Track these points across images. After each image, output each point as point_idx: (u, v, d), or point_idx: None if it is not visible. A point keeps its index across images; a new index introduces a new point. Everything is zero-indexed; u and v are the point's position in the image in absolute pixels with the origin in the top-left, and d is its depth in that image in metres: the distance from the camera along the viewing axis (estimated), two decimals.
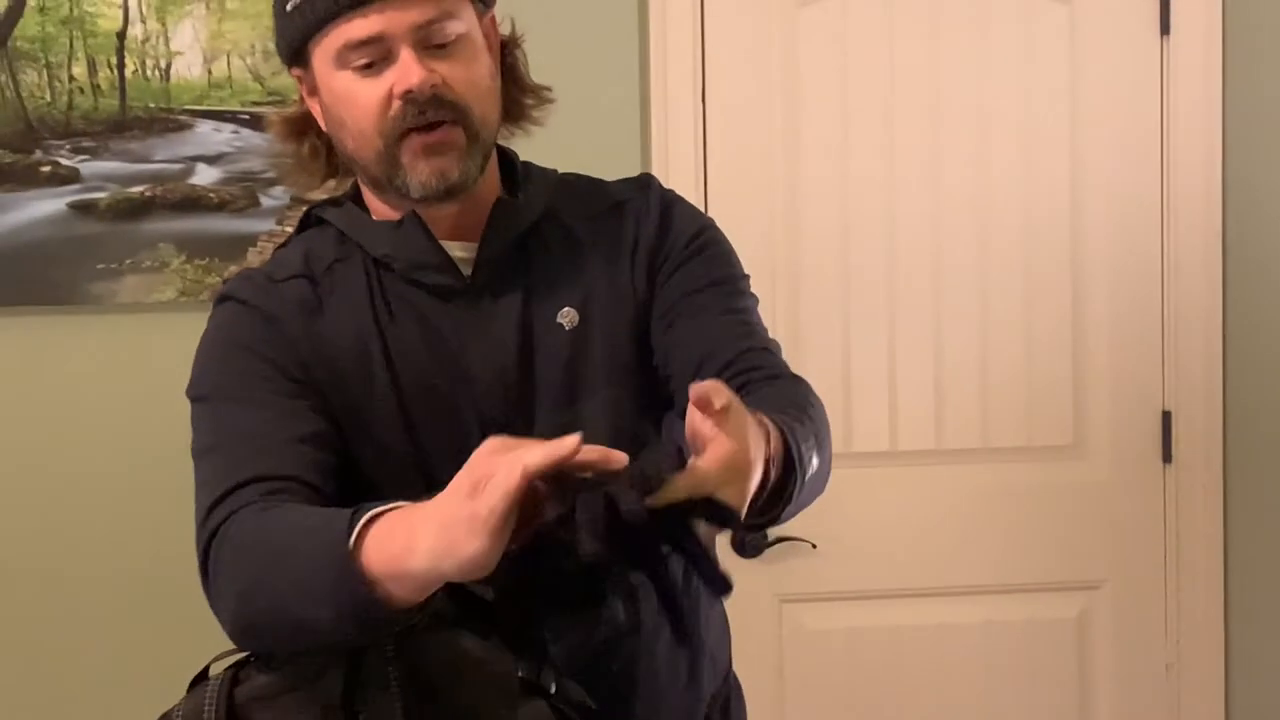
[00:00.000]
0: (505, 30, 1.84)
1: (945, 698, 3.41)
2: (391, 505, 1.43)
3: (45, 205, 3.13)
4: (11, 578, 3.18)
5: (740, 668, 2.02)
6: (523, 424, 1.75)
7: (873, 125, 3.31)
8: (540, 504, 1.31)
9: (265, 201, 3.17)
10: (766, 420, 1.46)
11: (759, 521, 1.48)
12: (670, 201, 1.89)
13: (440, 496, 1.37)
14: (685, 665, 1.86)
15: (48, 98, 3.13)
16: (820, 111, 3.30)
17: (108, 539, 3.18)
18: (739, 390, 1.71)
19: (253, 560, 1.53)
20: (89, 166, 3.14)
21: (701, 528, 1.30)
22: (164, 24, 3.14)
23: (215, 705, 1.56)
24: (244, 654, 1.62)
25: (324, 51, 1.72)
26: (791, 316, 3.28)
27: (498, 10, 1.82)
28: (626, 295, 1.81)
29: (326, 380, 1.73)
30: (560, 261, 1.81)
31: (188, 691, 1.61)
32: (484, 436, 1.72)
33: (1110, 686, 3.45)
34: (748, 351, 1.76)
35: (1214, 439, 3.41)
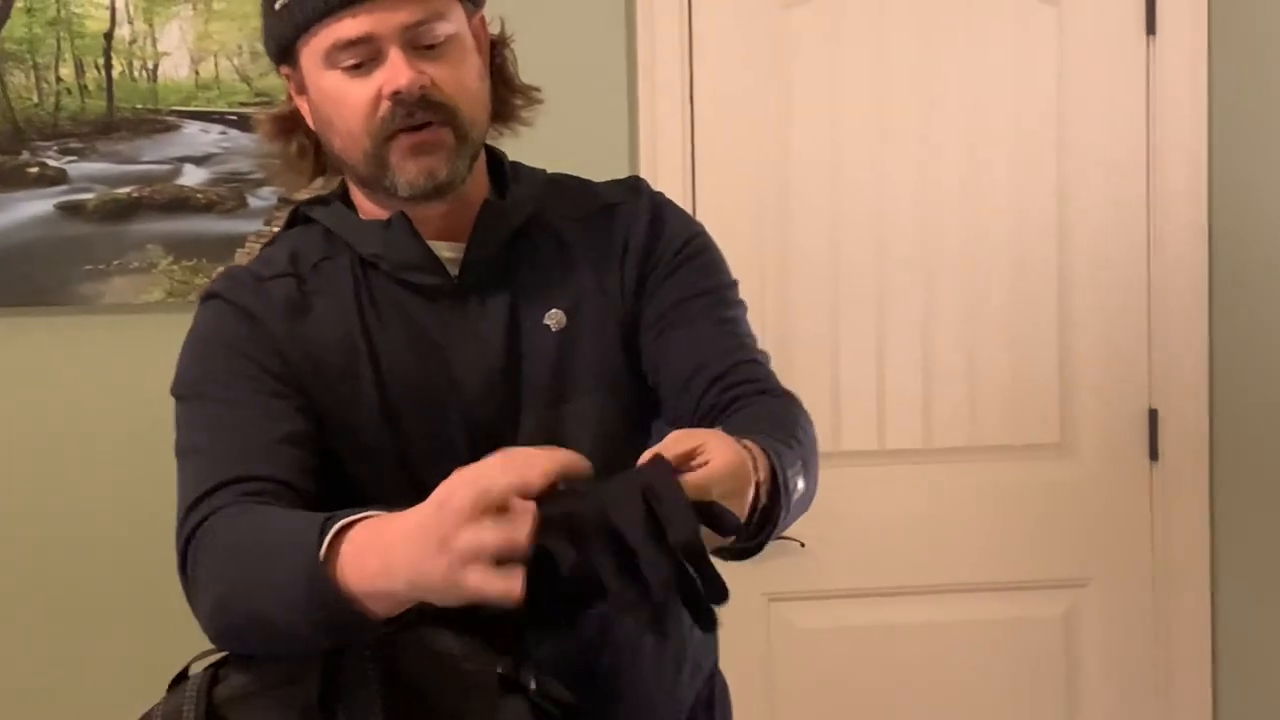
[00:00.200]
0: (494, 30, 1.84)
1: (933, 696, 3.41)
2: (363, 514, 1.42)
3: (33, 206, 3.13)
4: None
5: (728, 666, 2.02)
6: (508, 426, 1.75)
7: (861, 125, 3.32)
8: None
9: (253, 202, 3.17)
10: (754, 447, 1.46)
11: (744, 546, 1.49)
12: (660, 206, 1.88)
13: (416, 515, 1.34)
14: (669, 664, 1.86)
15: (35, 99, 3.13)
16: (809, 110, 3.31)
17: (95, 540, 3.18)
18: (728, 406, 1.71)
19: (229, 566, 1.53)
20: (76, 168, 3.14)
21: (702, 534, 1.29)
22: (151, 25, 3.14)
23: (195, 705, 1.56)
24: (223, 654, 1.62)
25: (313, 51, 1.72)
26: (780, 315, 3.28)
27: (487, 10, 1.82)
28: (615, 300, 1.81)
29: (311, 380, 1.73)
30: (548, 263, 1.81)
31: (168, 691, 1.61)
32: (470, 438, 1.74)
33: (1097, 684, 3.46)
34: (738, 365, 1.76)
35: (1200, 437, 3.42)
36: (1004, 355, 3.37)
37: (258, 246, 2.96)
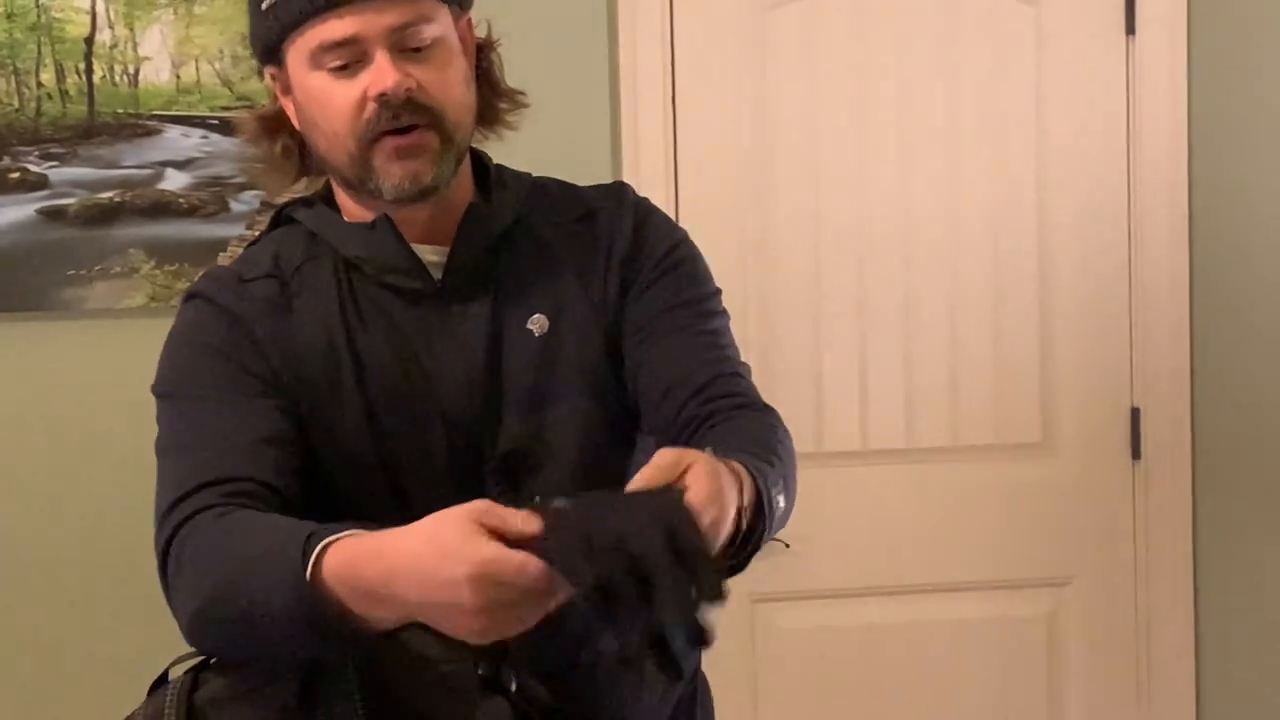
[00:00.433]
0: (481, 33, 1.83)
1: (917, 695, 3.42)
2: (349, 531, 1.42)
3: (14, 212, 3.12)
4: None
5: (713, 667, 2.02)
6: (489, 430, 1.75)
7: (842, 126, 3.32)
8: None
9: (235, 206, 3.17)
10: (740, 469, 1.47)
11: (727, 565, 1.49)
12: (645, 212, 1.88)
13: (416, 549, 1.35)
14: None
15: (16, 104, 3.12)
16: (790, 113, 3.31)
17: (78, 544, 3.17)
18: (707, 419, 1.71)
19: (210, 575, 1.53)
20: (58, 172, 3.14)
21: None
22: (132, 30, 3.14)
23: (175, 709, 1.56)
24: (203, 657, 1.62)
25: (298, 51, 1.72)
26: (763, 317, 3.29)
27: (474, 13, 1.82)
28: (598, 305, 1.81)
29: (293, 381, 1.73)
30: (532, 268, 1.81)
31: (148, 696, 1.61)
32: (450, 441, 1.74)
33: (1080, 682, 3.47)
34: (717, 378, 1.76)
35: (1182, 435, 3.43)
36: (986, 355, 3.38)
37: (240, 250, 2.96)
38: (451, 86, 1.73)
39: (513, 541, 1.30)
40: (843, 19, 3.32)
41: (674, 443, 1.70)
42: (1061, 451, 3.43)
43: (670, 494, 1.31)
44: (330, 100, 1.70)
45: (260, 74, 3.13)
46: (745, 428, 1.68)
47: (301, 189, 1.88)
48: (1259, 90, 3.40)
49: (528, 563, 1.28)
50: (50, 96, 3.13)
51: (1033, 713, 3.47)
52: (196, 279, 1.85)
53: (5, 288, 3.13)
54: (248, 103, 3.12)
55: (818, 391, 3.33)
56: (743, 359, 1.83)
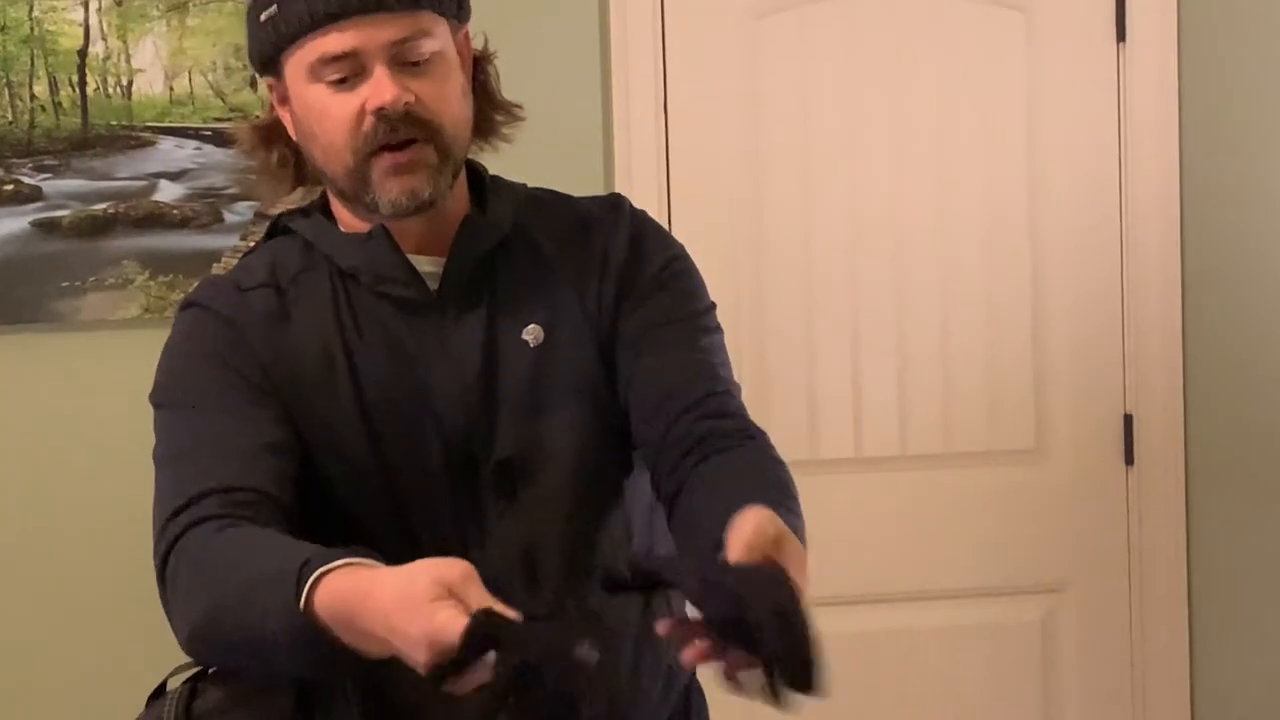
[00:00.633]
0: (478, 45, 1.83)
1: (911, 702, 3.42)
2: (342, 560, 1.43)
3: (8, 224, 3.13)
4: None
5: (706, 675, 2.02)
6: (484, 439, 1.75)
7: (833, 135, 3.33)
8: None
9: (229, 217, 3.17)
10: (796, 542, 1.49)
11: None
12: (641, 224, 1.87)
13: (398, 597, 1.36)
14: (647, 673, 1.87)
15: (9, 116, 3.13)
16: (781, 122, 3.32)
17: (74, 555, 3.17)
18: (701, 440, 1.70)
19: (207, 593, 1.53)
20: (51, 184, 3.14)
21: None
22: (125, 42, 3.14)
23: (174, 719, 1.56)
24: (200, 668, 1.62)
25: (297, 63, 1.72)
26: (756, 324, 3.29)
27: (469, 25, 1.82)
28: (593, 316, 1.81)
29: (289, 390, 1.73)
30: (527, 278, 1.81)
31: (146, 706, 1.61)
32: (445, 451, 1.74)
33: (1075, 689, 3.47)
34: (709, 396, 1.76)
35: (1176, 441, 3.43)
36: (979, 361, 3.38)
37: (233, 261, 2.96)
38: (449, 101, 1.74)
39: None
40: (834, 27, 3.32)
41: (662, 458, 1.72)
42: (1055, 458, 3.43)
43: (785, 585, 1.37)
44: (328, 113, 1.71)
45: (253, 85, 3.17)
46: (757, 466, 1.69)
47: (297, 199, 1.89)
48: (1250, 97, 3.41)
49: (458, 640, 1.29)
50: (44, 109, 3.14)
51: (1027, 718, 3.47)
52: (193, 288, 1.86)
53: (0, 300, 3.13)
54: (240, 114, 3.13)
55: (811, 399, 3.33)
56: (734, 374, 1.83)
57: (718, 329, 1.86)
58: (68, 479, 3.17)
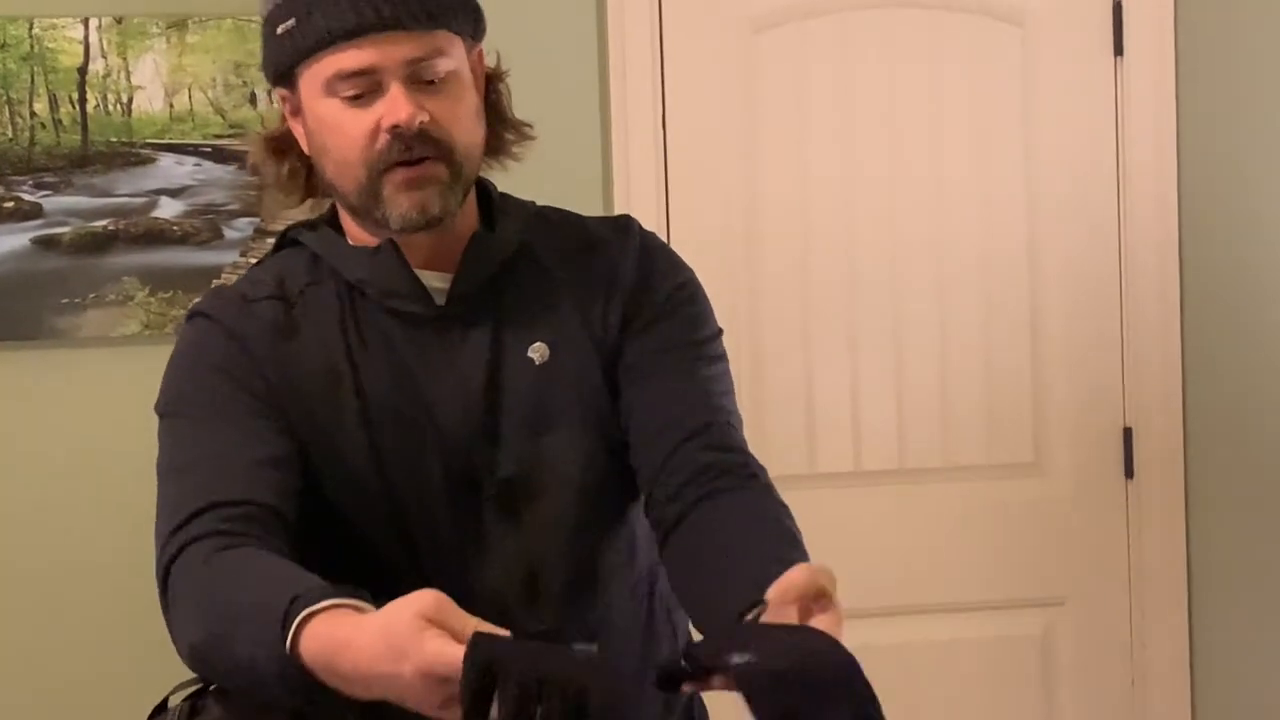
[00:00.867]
0: (490, 63, 1.83)
1: (911, 717, 3.41)
2: (330, 601, 1.43)
3: (8, 240, 3.13)
4: None
5: (710, 694, 2.02)
6: (486, 456, 1.75)
7: (830, 149, 3.34)
8: None
9: (229, 233, 3.18)
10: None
11: None
12: (650, 248, 1.87)
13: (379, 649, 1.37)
14: (651, 689, 1.87)
15: (9, 134, 3.13)
16: (779, 135, 3.33)
17: (72, 571, 3.17)
18: (702, 472, 1.71)
19: (201, 621, 1.54)
20: (51, 201, 3.15)
21: None
22: (125, 59, 3.15)
23: None
24: (201, 685, 1.63)
25: (313, 77, 1.72)
26: (754, 339, 3.30)
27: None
28: (599, 337, 1.81)
29: (294, 403, 1.74)
30: (534, 296, 1.81)
31: None
32: (446, 467, 1.74)
33: (1075, 703, 3.47)
34: (711, 426, 1.76)
35: (1175, 454, 3.43)
36: (977, 375, 3.38)
37: (234, 278, 2.97)
38: (463, 120, 1.74)
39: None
40: (831, 42, 3.33)
41: (661, 485, 1.73)
42: (1054, 471, 3.44)
43: (855, 672, 1.44)
44: (342, 128, 1.71)
45: (253, 101, 3.17)
46: (767, 514, 1.69)
47: (306, 211, 1.89)
48: (1247, 110, 3.41)
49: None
50: (44, 126, 3.14)
51: None
52: (200, 297, 1.86)
53: (0, 317, 3.13)
54: (240, 130, 3.14)
55: (809, 413, 3.34)
56: (738, 407, 1.83)
57: (722, 357, 1.86)
58: (68, 495, 3.17)
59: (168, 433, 1.75)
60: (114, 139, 3.16)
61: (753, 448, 1.79)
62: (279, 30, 1.72)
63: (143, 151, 3.18)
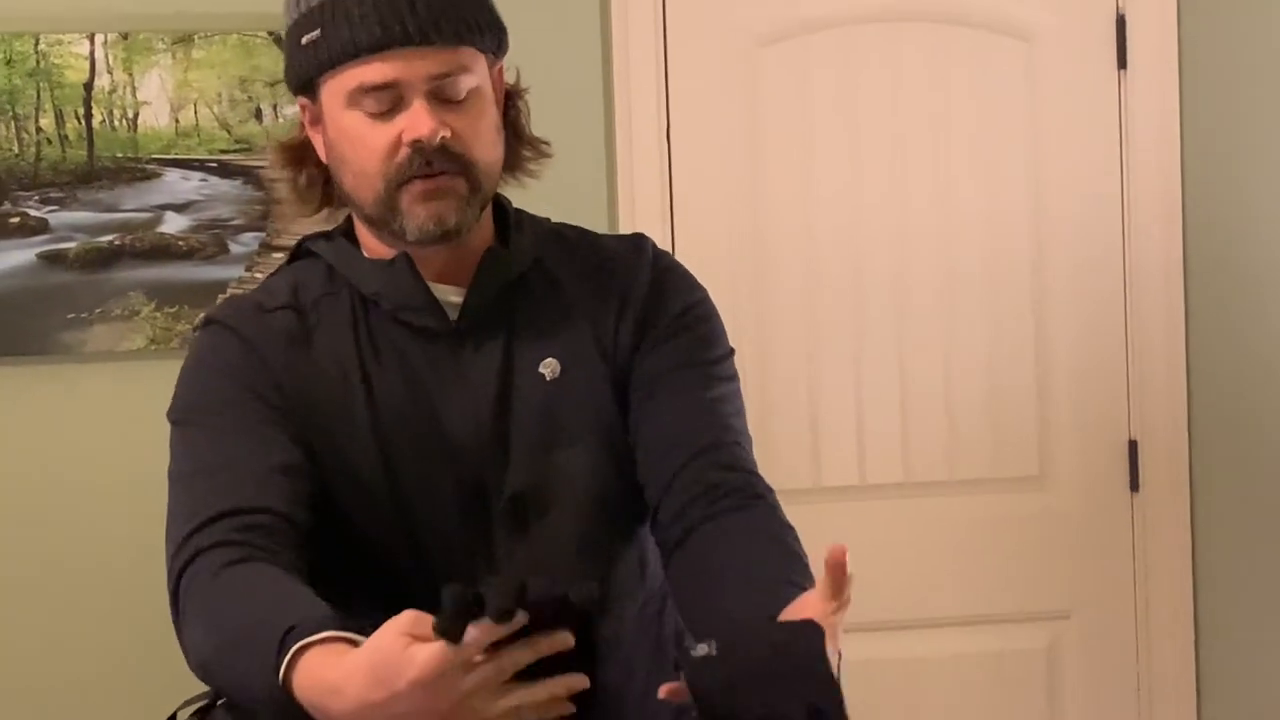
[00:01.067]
0: (510, 79, 1.84)
1: None
2: (325, 634, 1.43)
3: (14, 256, 3.14)
4: None
5: None
6: (496, 470, 1.76)
7: (835, 163, 3.34)
8: None
9: (234, 248, 3.18)
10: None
11: None
12: (664, 268, 1.88)
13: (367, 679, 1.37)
14: (653, 700, 1.87)
15: (16, 149, 3.14)
16: (784, 150, 3.33)
17: (79, 586, 3.17)
18: (709, 491, 1.72)
19: (206, 639, 1.56)
20: (58, 217, 3.15)
21: None
22: (130, 74, 3.16)
23: None
24: (208, 701, 1.63)
25: (335, 88, 1.73)
26: (758, 351, 3.30)
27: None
28: (609, 356, 1.81)
29: (306, 412, 1.74)
30: (546, 312, 1.82)
31: None
32: (458, 479, 1.75)
33: (1081, 717, 3.46)
34: (718, 445, 1.77)
35: (1181, 468, 3.43)
36: (982, 388, 3.38)
37: (238, 293, 2.97)
38: (483, 137, 1.75)
39: None
40: (836, 56, 3.34)
41: (667, 503, 1.74)
42: (1059, 485, 3.43)
43: (810, 655, 1.45)
44: (363, 140, 1.72)
45: (259, 116, 3.18)
46: (772, 535, 1.71)
47: (318, 223, 1.89)
48: (1251, 123, 3.42)
49: (463, 650, 1.31)
50: (50, 141, 3.15)
51: None
52: (215, 305, 1.86)
53: (6, 331, 3.14)
54: (245, 146, 3.15)
55: (814, 427, 3.34)
56: (748, 427, 1.84)
57: (733, 377, 1.86)
58: (74, 510, 3.17)
59: (180, 439, 1.75)
60: (120, 154, 3.17)
61: (758, 461, 1.80)
62: (304, 40, 1.73)
63: (148, 167, 3.18)
